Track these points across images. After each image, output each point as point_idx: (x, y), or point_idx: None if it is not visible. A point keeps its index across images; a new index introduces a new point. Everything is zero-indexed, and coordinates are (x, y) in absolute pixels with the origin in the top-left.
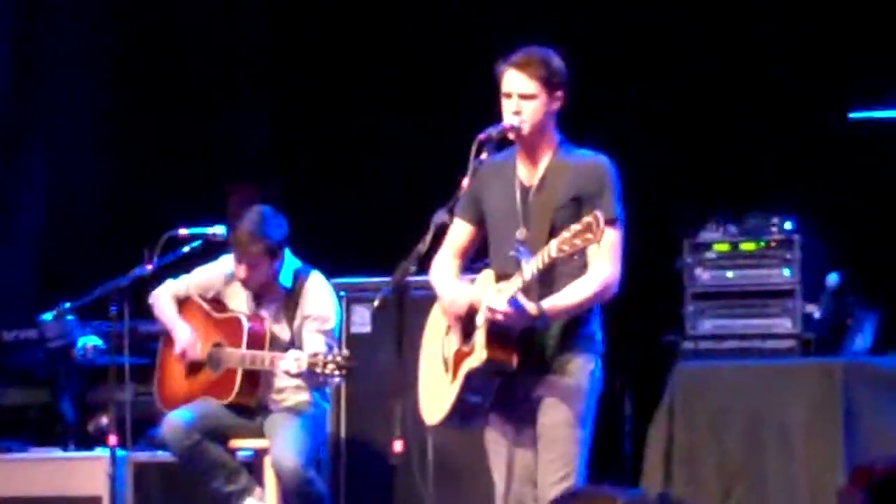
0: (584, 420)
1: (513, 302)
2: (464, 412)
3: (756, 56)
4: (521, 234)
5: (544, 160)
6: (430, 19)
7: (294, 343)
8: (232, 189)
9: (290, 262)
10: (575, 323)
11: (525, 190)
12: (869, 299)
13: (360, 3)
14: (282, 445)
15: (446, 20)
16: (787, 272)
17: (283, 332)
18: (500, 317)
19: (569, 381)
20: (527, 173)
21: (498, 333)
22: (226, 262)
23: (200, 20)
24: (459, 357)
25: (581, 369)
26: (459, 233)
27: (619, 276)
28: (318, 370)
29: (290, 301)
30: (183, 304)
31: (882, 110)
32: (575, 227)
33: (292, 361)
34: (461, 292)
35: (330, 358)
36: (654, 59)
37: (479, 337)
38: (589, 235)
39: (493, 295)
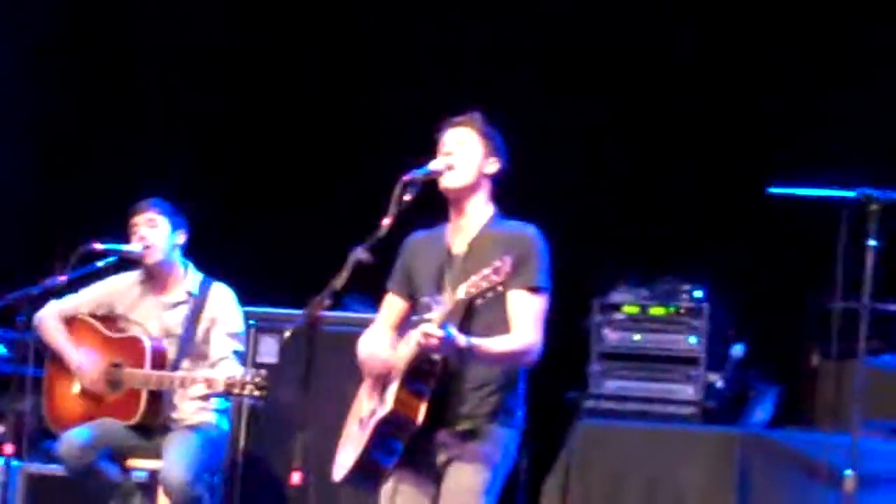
0: (490, 490)
1: (444, 327)
2: (366, 468)
3: (680, 124)
4: (444, 298)
5: (474, 228)
6: (350, 54)
7: (197, 350)
8: (137, 209)
9: (195, 273)
10: (500, 394)
11: (451, 257)
12: (771, 373)
13: (286, 30)
14: (173, 459)
15: (371, 56)
16: (693, 340)
17: (190, 340)
18: (434, 341)
19: (483, 448)
20: (456, 240)
21: (411, 387)
22: (127, 277)
23: (134, 38)
24: (372, 413)
25: (498, 440)
26: (393, 307)
27: (540, 345)
28: (236, 391)
29: (196, 307)
30: (71, 324)
31: (801, 188)
32: (485, 270)
33: (205, 383)
34: (379, 349)
35: (248, 379)
36: (572, 121)
37: (392, 390)
38: (495, 277)
39: (424, 324)
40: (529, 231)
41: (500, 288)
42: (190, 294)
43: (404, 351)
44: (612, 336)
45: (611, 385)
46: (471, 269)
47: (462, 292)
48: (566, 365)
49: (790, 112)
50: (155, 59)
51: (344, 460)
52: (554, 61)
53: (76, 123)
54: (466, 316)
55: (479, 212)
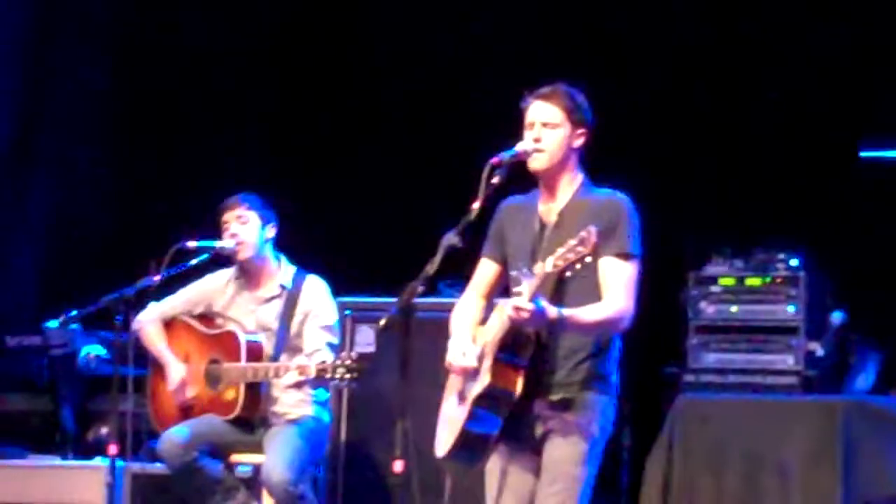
0: (591, 459)
1: (534, 300)
2: (468, 444)
3: (768, 90)
4: (537, 268)
5: (564, 198)
6: (437, 37)
7: (293, 343)
8: (226, 206)
9: (287, 265)
10: (592, 361)
11: (543, 226)
12: (872, 339)
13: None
14: (274, 458)
15: (455, 37)
16: (791, 309)
17: (286, 334)
18: (525, 314)
19: (579, 419)
20: (546, 210)
21: (505, 359)
22: (222, 274)
23: (203, 40)
24: (469, 388)
25: (593, 408)
26: (485, 272)
27: (632, 311)
28: (328, 376)
29: (290, 301)
30: (169, 325)
31: (892, 150)
32: (571, 241)
33: (298, 370)
34: (468, 353)
35: (339, 362)
36: (663, 92)
37: (486, 364)
38: (581, 248)
39: (515, 298)
40: (619, 198)
41: (587, 259)
42: (283, 288)
43: (496, 323)
44: (709, 309)
45: (710, 358)
46: (562, 239)
47: (550, 265)
48: (664, 340)
49: (882, 72)
50: (221, 57)
51: (445, 437)
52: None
53: (156, 122)
54: (557, 287)
55: (568, 182)
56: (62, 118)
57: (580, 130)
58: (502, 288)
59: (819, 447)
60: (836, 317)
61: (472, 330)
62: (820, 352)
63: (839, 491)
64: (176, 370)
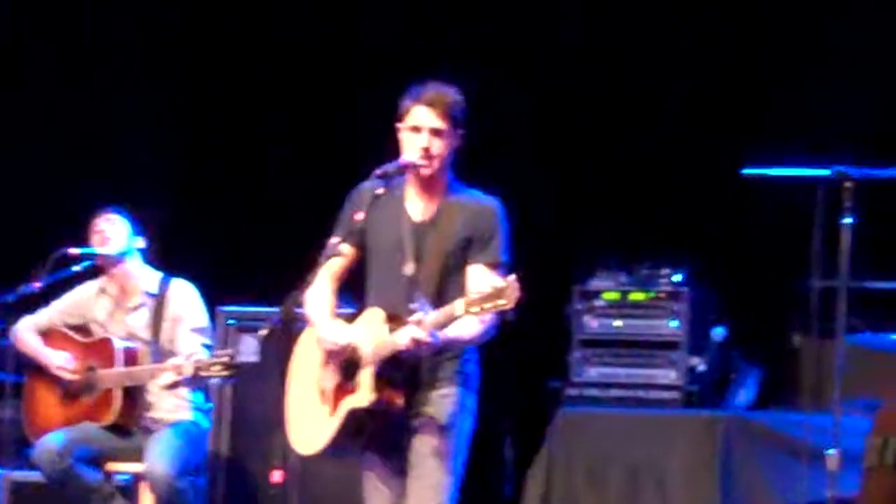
0: (456, 452)
1: (433, 334)
2: (341, 447)
3: (654, 105)
4: (409, 269)
5: (437, 197)
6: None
7: (166, 349)
8: (97, 213)
9: (153, 272)
10: (451, 359)
11: (416, 225)
12: (753, 355)
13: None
14: (156, 454)
15: (346, 45)
16: (673, 324)
17: (157, 338)
18: (424, 348)
19: (441, 414)
20: (419, 208)
21: (386, 375)
22: (91, 286)
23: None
24: (341, 393)
25: (453, 403)
26: (338, 260)
27: (497, 321)
28: (204, 373)
29: (157, 306)
30: (45, 335)
31: (776, 167)
32: (485, 290)
33: (174, 370)
34: (341, 332)
35: (215, 360)
36: (548, 102)
37: (366, 377)
38: (501, 301)
39: (411, 328)
40: (493, 203)
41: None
42: (150, 295)
43: (375, 335)
44: (592, 323)
45: (593, 372)
46: (439, 240)
47: (461, 310)
48: (548, 353)
49: (765, 90)
50: (110, 55)
51: (310, 437)
52: (531, 49)
53: (43, 126)
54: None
55: (442, 181)
56: None
57: (459, 132)
58: (350, 274)
59: (699, 462)
60: (718, 332)
61: (330, 314)
62: (701, 367)
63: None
64: (55, 354)
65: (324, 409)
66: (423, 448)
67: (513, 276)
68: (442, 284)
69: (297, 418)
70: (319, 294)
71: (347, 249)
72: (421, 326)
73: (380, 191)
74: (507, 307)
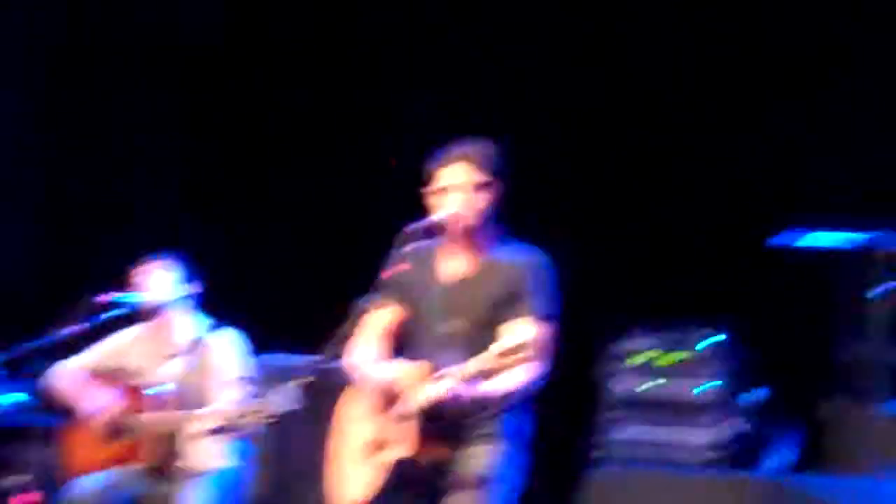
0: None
1: (469, 385)
2: (385, 497)
3: (686, 174)
4: (444, 327)
5: (477, 255)
6: (354, 100)
7: (202, 397)
8: (141, 262)
9: (200, 320)
10: (501, 415)
11: (455, 284)
12: (790, 417)
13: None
14: (190, 502)
15: (372, 105)
16: (708, 385)
17: (193, 387)
18: (463, 402)
19: (484, 471)
20: (458, 266)
21: (430, 427)
22: (131, 331)
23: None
24: (385, 445)
25: (497, 459)
26: (385, 317)
27: (545, 373)
28: (241, 422)
29: (198, 354)
30: (84, 379)
31: (805, 234)
32: (515, 340)
33: (213, 416)
34: (389, 369)
35: (255, 406)
36: (582, 167)
37: (410, 428)
38: (522, 354)
39: (450, 379)
40: (535, 258)
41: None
42: (191, 342)
43: (418, 389)
44: (626, 383)
45: (626, 432)
46: (481, 296)
47: (491, 361)
48: (579, 414)
49: (794, 156)
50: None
51: (356, 490)
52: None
53: (77, 168)
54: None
55: (482, 239)
56: None
57: (494, 186)
58: (400, 335)
59: None
60: (754, 394)
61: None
62: (736, 429)
63: None
64: (94, 394)
65: (367, 463)
66: (462, 500)
67: (539, 328)
68: (478, 341)
69: (338, 474)
70: (366, 346)
71: (392, 307)
72: (455, 378)
73: (409, 249)
74: (532, 359)
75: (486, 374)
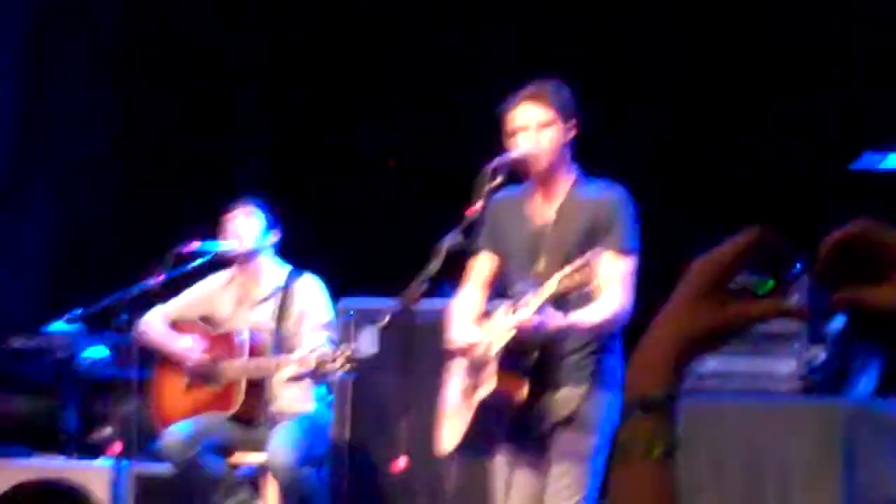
0: (598, 452)
1: (542, 311)
2: (475, 442)
3: (763, 102)
4: (538, 269)
5: (560, 195)
6: (430, 49)
7: (291, 343)
8: (231, 207)
9: (283, 266)
10: (594, 357)
11: (541, 226)
12: (873, 343)
13: (360, 32)
14: (278, 444)
15: (445, 52)
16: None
17: (280, 333)
18: (531, 329)
19: (584, 414)
20: (542, 208)
21: (509, 365)
22: (221, 276)
23: (199, 50)
24: (474, 389)
25: (597, 402)
26: (484, 265)
27: (630, 307)
28: (328, 367)
29: (284, 300)
30: (173, 326)
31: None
32: (578, 262)
33: (297, 365)
34: (469, 332)
35: (339, 353)
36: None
37: (491, 369)
38: (587, 272)
39: (520, 311)
40: (615, 193)
41: (594, 283)
42: (276, 288)
43: (500, 328)
44: None
45: (709, 364)
46: (562, 238)
47: (554, 284)
48: None
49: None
50: (233, 57)
51: (450, 432)
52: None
53: (157, 124)
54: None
55: (564, 178)
56: (63, 122)
57: (570, 124)
58: (499, 281)
59: (820, 452)
60: (837, 322)
61: (473, 319)
62: (821, 356)
63: (841, 495)
64: (182, 339)
65: (461, 409)
66: (562, 447)
67: (591, 253)
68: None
69: (444, 419)
70: (466, 299)
71: (488, 255)
72: (528, 307)
73: (494, 184)
74: (589, 281)
75: (560, 301)
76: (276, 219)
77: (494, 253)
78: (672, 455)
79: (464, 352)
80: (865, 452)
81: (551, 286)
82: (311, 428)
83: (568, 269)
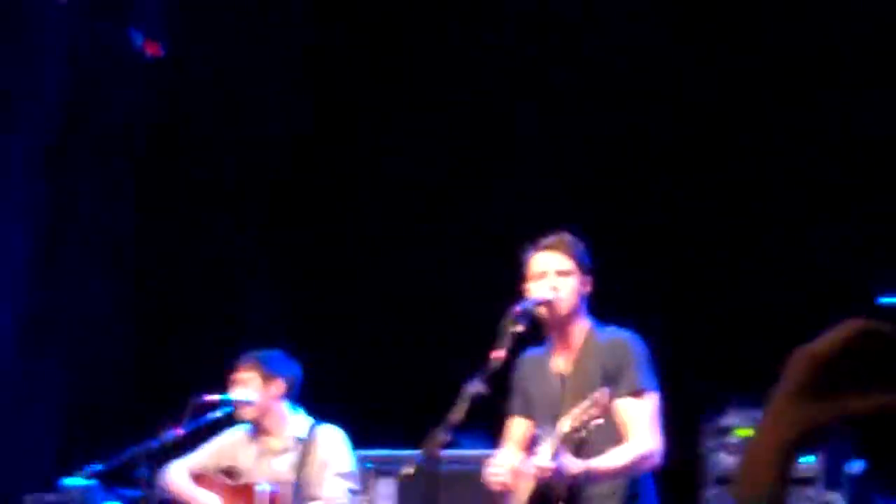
0: None
1: (556, 457)
2: None
3: (781, 245)
4: (557, 427)
5: (577, 346)
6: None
7: (311, 493)
8: (236, 364)
9: (303, 417)
10: (624, 500)
11: (562, 379)
12: (890, 489)
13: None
14: None
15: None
16: (809, 459)
17: (300, 484)
18: (548, 473)
19: None
20: (562, 362)
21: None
22: (238, 428)
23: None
24: None
25: None
26: (518, 429)
27: (661, 446)
28: None
29: (304, 451)
30: (196, 479)
31: None
32: (585, 402)
33: None
34: (504, 462)
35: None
36: (674, 241)
37: None
38: (594, 411)
39: (537, 458)
40: (625, 336)
41: (599, 420)
42: (298, 439)
43: (525, 481)
44: (726, 459)
45: None
46: (580, 390)
47: (566, 426)
48: (682, 490)
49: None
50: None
51: None
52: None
53: (171, 273)
54: (580, 440)
55: (580, 330)
56: (78, 272)
57: (587, 276)
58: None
59: None
60: (854, 466)
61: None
62: (840, 500)
63: None
64: (208, 496)
65: None
66: None
67: (606, 389)
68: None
69: None
70: (504, 458)
71: (520, 420)
72: (542, 453)
73: (517, 329)
74: (599, 415)
75: (582, 447)
76: (286, 368)
77: (525, 416)
78: None
79: (503, 484)
80: None
81: (563, 427)
82: None
83: (577, 409)
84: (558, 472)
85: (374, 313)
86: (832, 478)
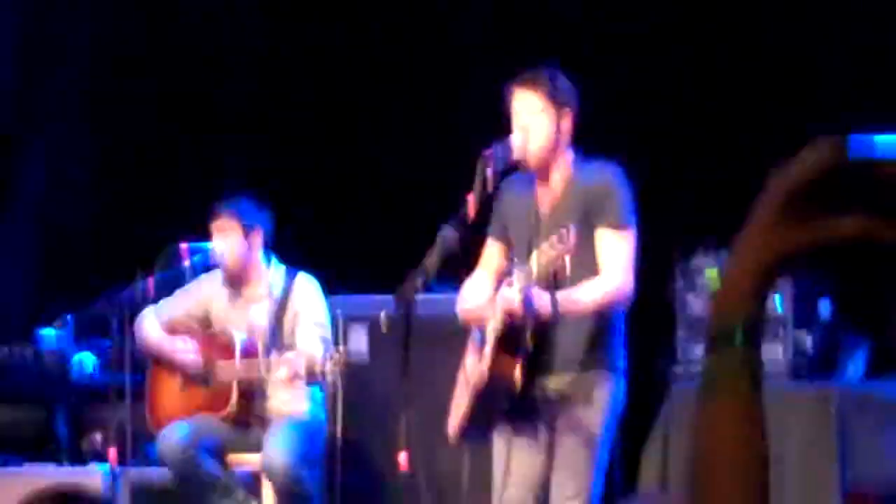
0: (602, 442)
1: (525, 290)
2: (474, 425)
3: (762, 80)
4: (529, 263)
5: (557, 184)
6: (427, 36)
7: (285, 343)
8: (212, 213)
9: (277, 266)
10: (594, 341)
11: (539, 216)
12: (860, 328)
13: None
14: (272, 446)
15: (443, 37)
16: (778, 299)
17: (275, 334)
18: (515, 306)
19: (587, 401)
20: (541, 198)
21: (504, 347)
22: (216, 275)
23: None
24: (478, 373)
25: (599, 390)
26: (493, 252)
27: (631, 284)
28: (317, 371)
29: (280, 300)
30: (168, 326)
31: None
32: (553, 238)
33: (288, 366)
34: (478, 302)
35: (328, 357)
36: (652, 84)
37: (486, 351)
38: (560, 246)
39: (505, 290)
40: (608, 170)
41: (567, 256)
42: (273, 288)
43: (496, 312)
44: (696, 301)
45: (699, 351)
46: (559, 224)
47: (534, 264)
48: (653, 334)
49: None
50: (224, 59)
51: (454, 419)
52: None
53: (146, 120)
54: (553, 276)
55: (561, 166)
56: (50, 118)
57: (565, 111)
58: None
59: (814, 435)
60: (824, 306)
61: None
62: (808, 342)
63: (835, 478)
64: (179, 343)
65: (464, 392)
66: (568, 437)
67: (573, 226)
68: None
69: (453, 411)
70: (475, 283)
71: (497, 244)
72: (510, 287)
73: (489, 172)
74: (566, 252)
75: (549, 278)
76: (260, 217)
77: (502, 241)
78: (760, 387)
79: (475, 320)
80: (858, 435)
81: (532, 264)
82: (306, 429)
83: (545, 245)
84: (526, 308)
85: (348, 161)
86: (802, 317)
